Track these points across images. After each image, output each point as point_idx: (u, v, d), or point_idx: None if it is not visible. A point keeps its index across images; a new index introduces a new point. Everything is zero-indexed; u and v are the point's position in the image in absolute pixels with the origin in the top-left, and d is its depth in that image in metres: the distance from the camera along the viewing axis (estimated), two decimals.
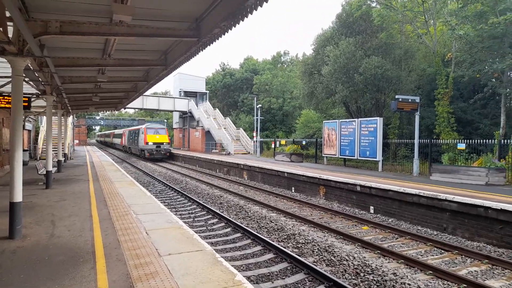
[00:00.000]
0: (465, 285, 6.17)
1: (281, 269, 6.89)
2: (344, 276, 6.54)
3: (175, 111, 45.76)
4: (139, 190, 11.66)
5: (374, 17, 23.00)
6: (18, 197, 6.23)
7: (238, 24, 6.00)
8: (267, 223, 10.31)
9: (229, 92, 56.00)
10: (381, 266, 6.94)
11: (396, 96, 17.00)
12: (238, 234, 9.30)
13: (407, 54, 24.94)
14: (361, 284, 6.21)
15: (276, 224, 10.10)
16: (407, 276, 6.47)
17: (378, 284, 6.17)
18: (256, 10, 5.43)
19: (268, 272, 6.73)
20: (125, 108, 37.00)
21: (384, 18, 22.74)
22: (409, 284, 6.07)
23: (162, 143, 36.02)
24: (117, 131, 64.65)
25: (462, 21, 20.14)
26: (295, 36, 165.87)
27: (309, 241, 8.51)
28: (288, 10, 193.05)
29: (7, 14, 5.44)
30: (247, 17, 5.68)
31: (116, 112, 69.49)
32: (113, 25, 6.70)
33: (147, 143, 35.03)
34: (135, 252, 5.42)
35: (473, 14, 19.44)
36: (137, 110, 72.36)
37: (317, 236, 9.02)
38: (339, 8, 42.76)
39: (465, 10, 20.32)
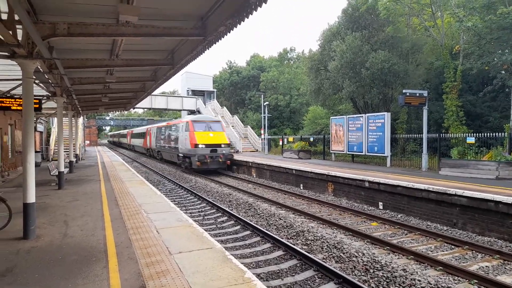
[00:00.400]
0: (476, 281, 6.14)
1: (290, 266, 6.93)
2: (353, 273, 6.55)
3: (183, 110, 45.96)
4: (150, 189, 11.77)
5: (380, 11, 22.80)
6: (31, 198, 6.35)
7: (243, 21, 6.02)
8: (276, 221, 10.34)
9: (236, 90, 56.05)
10: (391, 262, 6.93)
11: (404, 91, 16.85)
12: (248, 232, 9.35)
13: (414, 48, 24.68)
14: (370, 280, 6.21)
15: (285, 222, 10.13)
16: (417, 272, 6.46)
17: (387, 280, 6.16)
18: (260, 7, 5.43)
19: (278, 269, 6.76)
20: (134, 108, 36.48)
21: (391, 11, 22.52)
22: (419, 280, 6.06)
23: (219, 145, 23.03)
24: (136, 130, 50.33)
25: (470, 13, 19.87)
26: (301, 32, 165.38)
27: (318, 238, 8.53)
28: (293, 6, 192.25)
29: (16, 17, 5.53)
30: (251, 14, 5.69)
31: (126, 112, 70.01)
32: (119, 26, 6.76)
33: (195, 146, 22.26)
34: (146, 251, 5.49)
35: (481, 5, 19.15)
36: (146, 109, 72.98)
37: (326, 233, 9.03)
38: (345, 2, 42.46)
39: (472, 1, 20.04)
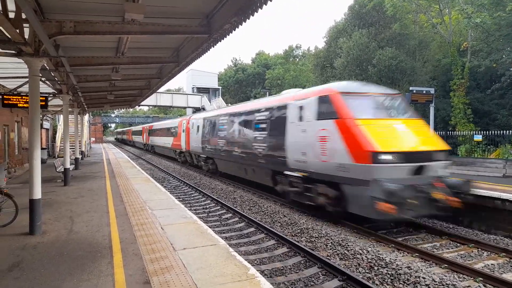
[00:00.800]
0: (482, 279, 6.10)
1: (294, 263, 6.93)
2: (358, 270, 6.53)
3: (188, 107, 46.11)
4: (154, 186, 11.84)
5: (387, 8, 22.66)
6: (38, 194, 6.43)
7: (248, 19, 6.02)
8: (280, 218, 10.33)
9: (241, 87, 56.12)
10: (395, 260, 6.90)
11: (410, 88, 16.74)
12: (252, 229, 9.37)
13: (421, 45, 24.52)
14: (375, 277, 6.19)
15: (289, 219, 10.13)
16: (421, 269, 6.42)
17: (392, 277, 6.14)
18: (266, 4, 5.43)
19: (282, 266, 6.77)
20: (139, 106, 36.44)
21: (397, 8, 22.39)
22: (423, 278, 6.02)
23: (429, 154, 8.30)
24: (159, 124, 35.81)
25: (478, 9, 19.65)
26: (307, 29, 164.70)
27: (322, 235, 8.51)
28: (300, 3, 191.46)
29: (23, 15, 5.58)
30: (257, 12, 5.69)
31: (131, 109, 70.28)
32: (125, 24, 6.80)
33: (373, 157, 7.76)
34: (150, 247, 5.53)
35: (490, 1, 18.92)
36: (151, 107, 73.26)
37: (331, 230, 9.01)
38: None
39: None
